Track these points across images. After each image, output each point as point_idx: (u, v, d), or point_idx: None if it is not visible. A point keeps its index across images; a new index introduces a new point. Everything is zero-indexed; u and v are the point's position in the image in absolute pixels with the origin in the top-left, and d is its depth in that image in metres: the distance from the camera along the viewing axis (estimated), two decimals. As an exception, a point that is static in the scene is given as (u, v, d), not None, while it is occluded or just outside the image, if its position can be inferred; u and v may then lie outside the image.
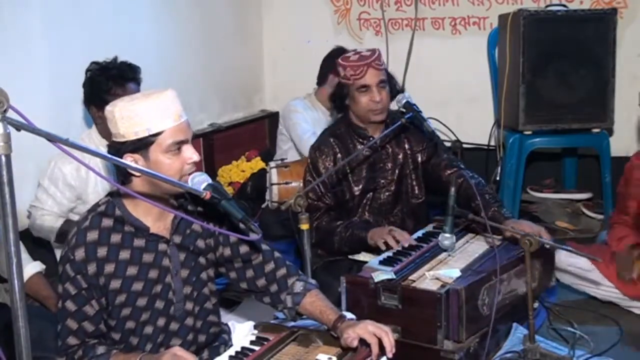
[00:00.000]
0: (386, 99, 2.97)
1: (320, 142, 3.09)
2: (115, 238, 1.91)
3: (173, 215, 1.96)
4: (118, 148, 1.84)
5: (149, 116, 1.81)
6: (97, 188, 2.90)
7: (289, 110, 4.25)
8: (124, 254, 1.91)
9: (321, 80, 4.21)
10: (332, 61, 3.84)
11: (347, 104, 3.03)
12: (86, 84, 2.87)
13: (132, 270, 1.92)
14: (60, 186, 2.89)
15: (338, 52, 3.96)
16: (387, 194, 3.09)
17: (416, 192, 3.13)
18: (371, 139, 3.00)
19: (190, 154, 1.86)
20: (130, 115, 1.81)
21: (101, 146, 2.87)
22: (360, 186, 3.06)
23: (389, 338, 1.88)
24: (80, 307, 1.88)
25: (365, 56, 2.95)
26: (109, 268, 1.89)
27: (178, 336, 2.02)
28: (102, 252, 1.89)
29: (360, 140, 3.05)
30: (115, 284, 1.91)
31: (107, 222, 1.91)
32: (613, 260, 3.06)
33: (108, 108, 1.85)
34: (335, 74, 3.20)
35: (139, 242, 1.93)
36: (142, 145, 1.82)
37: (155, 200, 1.81)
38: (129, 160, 1.82)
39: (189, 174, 1.85)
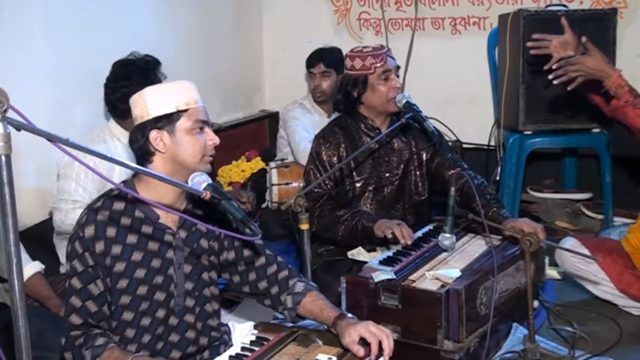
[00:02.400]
0: None
1: (325, 131, 3.08)
2: (125, 221, 1.94)
3: (183, 209, 1.99)
4: (145, 126, 1.92)
5: (177, 95, 1.93)
6: (121, 177, 2.81)
7: (288, 117, 4.24)
8: (132, 238, 1.94)
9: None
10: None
11: (356, 99, 3.00)
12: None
13: (137, 256, 1.95)
14: (90, 174, 2.77)
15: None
16: (390, 188, 3.08)
17: (419, 189, 3.12)
18: (377, 131, 3.00)
19: (212, 136, 1.97)
20: (158, 95, 1.94)
21: (123, 138, 2.86)
22: (363, 179, 3.05)
23: (389, 342, 1.88)
24: (85, 284, 1.90)
25: (378, 47, 3.02)
26: (116, 249, 1.92)
27: (177, 332, 2.03)
28: (111, 232, 1.92)
29: (367, 132, 3.04)
30: (120, 266, 1.93)
31: (118, 205, 1.95)
32: (616, 255, 3.03)
33: (136, 94, 1.96)
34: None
35: (146, 229, 1.96)
36: (169, 122, 1.92)
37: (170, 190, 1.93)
38: (154, 134, 1.90)
39: (210, 155, 1.96)
